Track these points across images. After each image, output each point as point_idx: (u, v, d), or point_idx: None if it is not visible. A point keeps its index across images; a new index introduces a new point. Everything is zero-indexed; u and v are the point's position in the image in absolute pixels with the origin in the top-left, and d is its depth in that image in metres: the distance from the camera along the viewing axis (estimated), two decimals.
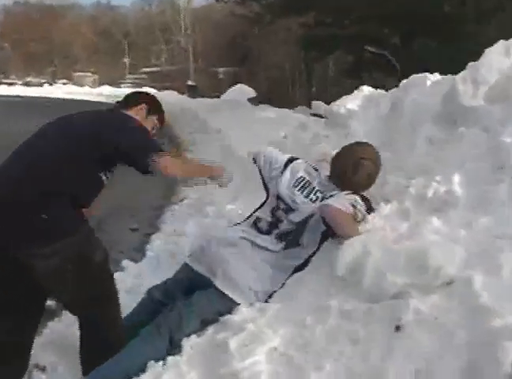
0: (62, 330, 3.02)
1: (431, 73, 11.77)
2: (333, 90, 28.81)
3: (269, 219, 2.78)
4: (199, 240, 2.92)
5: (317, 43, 18.46)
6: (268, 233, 2.73)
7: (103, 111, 2.59)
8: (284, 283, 2.64)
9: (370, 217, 2.58)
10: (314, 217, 2.66)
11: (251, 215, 2.90)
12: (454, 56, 14.73)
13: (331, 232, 2.61)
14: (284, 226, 2.72)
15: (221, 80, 36.71)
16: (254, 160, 3.06)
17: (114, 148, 2.32)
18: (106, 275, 2.53)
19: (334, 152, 2.99)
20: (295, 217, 2.70)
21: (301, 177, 2.83)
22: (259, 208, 2.91)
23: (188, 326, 2.62)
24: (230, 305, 2.61)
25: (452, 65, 11.62)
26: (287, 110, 17.73)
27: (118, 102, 2.70)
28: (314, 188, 2.76)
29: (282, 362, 2.17)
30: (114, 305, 2.57)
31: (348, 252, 2.34)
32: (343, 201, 2.55)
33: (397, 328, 1.98)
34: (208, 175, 2.65)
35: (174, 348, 2.60)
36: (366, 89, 3.68)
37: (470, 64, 2.83)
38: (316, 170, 2.88)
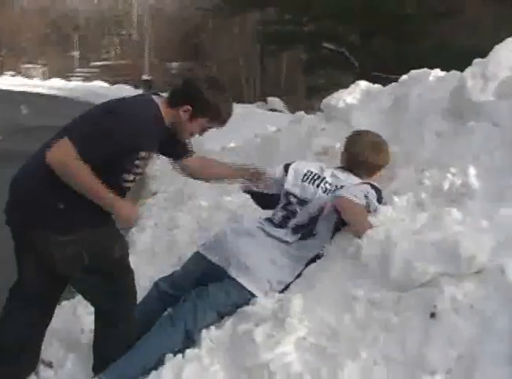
0: (67, 325, 2.96)
1: (389, 71, 11.95)
2: (286, 86, 29.03)
3: (283, 213, 2.80)
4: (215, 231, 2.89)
5: (276, 38, 18.57)
6: (282, 226, 2.75)
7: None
8: (300, 274, 2.65)
9: (383, 208, 2.61)
10: (327, 207, 2.68)
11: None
12: (412, 54, 15.13)
13: (343, 222, 2.64)
14: (299, 218, 2.74)
15: (174, 75, 36.44)
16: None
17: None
18: (124, 272, 2.49)
19: (339, 144, 3.03)
20: (309, 208, 2.73)
21: (308, 171, 2.86)
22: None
23: (204, 318, 2.61)
24: (246, 297, 2.61)
25: (410, 63, 11.90)
26: (249, 105, 17.79)
27: (169, 96, 2.44)
28: (324, 179, 2.79)
29: (313, 352, 2.19)
30: (131, 301, 2.55)
31: (373, 242, 2.37)
32: (356, 192, 2.59)
33: (432, 315, 2.02)
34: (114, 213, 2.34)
35: (190, 340, 2.59)
36: (363, 84, 3.72)
37: (477, 60, 2.90)
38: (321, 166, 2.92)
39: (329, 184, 2.76)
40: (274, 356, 2.21)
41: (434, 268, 2.12)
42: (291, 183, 2.84)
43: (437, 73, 3.24)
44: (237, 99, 22.93)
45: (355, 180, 2.75)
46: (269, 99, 21.51)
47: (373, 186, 2.68)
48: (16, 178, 2.35)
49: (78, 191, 2.19)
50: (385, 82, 12.61)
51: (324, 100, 3.78)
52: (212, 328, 2.54)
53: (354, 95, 3.62)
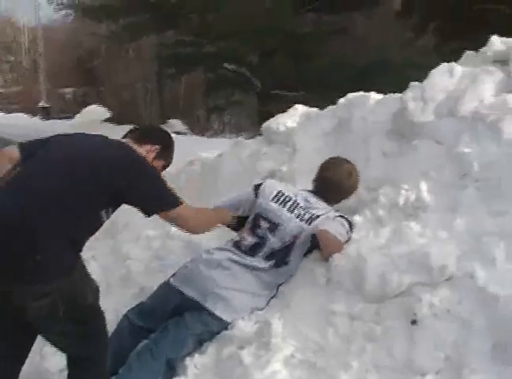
0: (34, 367, 2.90)
1: (288, 88, 12.30)
2: (186, 107, 29.12)
3: (251, 239, 2.80)
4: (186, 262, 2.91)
5: (174, 61, 18.57)
6: (253, 254, 2.77)
7: (114, 142, 2.40)
8: (273, 296, 2.75)
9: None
10: (300, 239, 2.73)
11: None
12: (310, 72, 15.69)
13: (311, 248, 2.77)
14: (271, 245, 2.75)
15: (69, 102, 35.56)
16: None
17: (130, 196, 2.29)
18: (97, 315, 2.43)
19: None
20: (283, 235, 2.75)
21: (280, 191, 2.86)
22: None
23: (185, 346, 2.65)
24: (224, 325, 2.67)
25: (308, 81, 12.32)
26: None
27: (130, 130, 2.56)
28: (297, 203, 2.82)
29: (303, 368, 2.31)
30: (104, 343, 2.49)
31: (344, 259, 2.53)
32: (338, 227, 2.68)
33: (413, 322, 2.21)
34: (226, 220, 2.82)
35: (172, 370, 2.63)
36: (300, 108, 3.90)
37: (413, 83, 3.15)
38: (290, 188, 2.98)
39: (303, 209, 2.79)
40: (265, 376, 2.31)
41: (408, 279, 2.31)
42: (262, 206, 2.85)
43: (375, 96, 3.47)
44: (134, 122, 22.84)
45: (324, 206, 2.82)
46: (169, 121, 21.48)
47: (346, 219, 2.78)
48: None
49: None
50: (284, 100, 12.95)
51: (264, 124, 3.92)
52: (196, 355, 2.60)
53: (293, 118, 3.78)
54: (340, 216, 2.76)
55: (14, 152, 2.42)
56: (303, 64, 16.32)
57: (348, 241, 2.66)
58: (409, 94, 3.05)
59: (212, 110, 21.75)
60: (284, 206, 2.82)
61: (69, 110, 31.88)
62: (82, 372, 2.46)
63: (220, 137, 19.46)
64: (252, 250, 2.78)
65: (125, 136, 2.55)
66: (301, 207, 2.80)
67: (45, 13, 50.24)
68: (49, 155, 2.34)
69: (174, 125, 20.47)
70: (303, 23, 16.07)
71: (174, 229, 3.65)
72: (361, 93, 3.61)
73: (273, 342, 2.41)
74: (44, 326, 2.31)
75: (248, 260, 2.75)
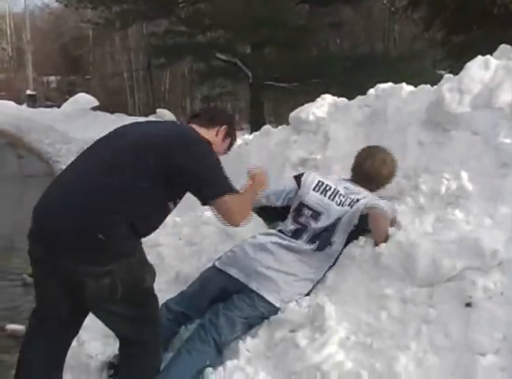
0: (72, 352, 2.94)
1: (281, 78, 12.40)
2: (175, 97, 29.07)
3: (294, 226, 2.89)
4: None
5: (165, 50, 18.51)
6: (296, 238, 2.85)
7: (178, 128, 2.51)
8: (318, 281, 2.83)
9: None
10: (342, 219, 2.82)
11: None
12: (303, 63, 15.77)
13: (360, 232, 2.83)
14: (314, 229, 2.84)
15: (54, 90, 35.30)
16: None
17: (187, 180, 2.33)
18: (152, 300, 2.49)
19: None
20: (325, 220, 2.83)
21: (320, 181, 2.95)
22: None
23: (234, 330, 2.72)
24: (272, 309, 2.74)
25: (301, 72, 12.42)
26: (145, 118, 17.64)
27: (192, 116, 2.63)
28: (337, 191, 2.90)
29: (360, 349, 2.38)
30: (158, 327, 2.54)
31: (392, 245, 2.61)
32: (386, 206, 2.77)
33: (468, 305, 2.29)
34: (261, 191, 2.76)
35: (220, 354, 2.69)
36: (329, 97, 3.97)
37: (448, 76, 3.24)
38: (331, 177, 3.06)
39: (343, 196, 2.88)
40: (323, 357, 2.38)
41: (460, 264, 2.39)
42: (305, 195, 2.93)
43: (407, 87, 3.55)
44: (123, 111, 22.74)
45: (364, 191, 2.91)
46: (158, 110, 21.42)
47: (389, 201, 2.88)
48: (51, 207, 2.30)
49: None
50: (280, 91, 13.03)
51: (292, 114, 3.98)
52: (248, 338, 2.67)
53: (322, 108, 3.85)
54: (380, 197, 2.87)
55: None
56: (296, 55, 16.40)
57: (394, 222, 2.75)
58: (446, 85, 3.13)
59: (204, 100, 21.75)
60: (325, 195, 2.91)
61: (54, 99, 31.70)
62: (133, 357, 2.50)
63: None
64: (295, 234, 2.87)
65: (188, 123, 2.60)
66: (341, 194, 2.89)
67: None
68: (112, 139, 2.43)
69: (163, 114, 20.44)
70: (296, 14, 16.11)
71: (206, 214, 3.72)
72: (390, 84, 3.69)
73: (327, 324, 2.48)
74: (100, 305, 2.36)
75: (293, 242, 2.84)
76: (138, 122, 2.58)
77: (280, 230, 2.92)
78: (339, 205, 2.86)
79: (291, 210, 2.98)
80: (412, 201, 2.90)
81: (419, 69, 12.90)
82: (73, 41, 32.37)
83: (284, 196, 3.04)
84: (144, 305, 2.44)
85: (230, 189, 2.33)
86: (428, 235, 2.60)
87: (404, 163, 3.11)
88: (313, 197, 2.92)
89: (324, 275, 2.82)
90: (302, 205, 2.93)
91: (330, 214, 2.84)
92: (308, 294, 2.79)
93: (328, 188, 2.93)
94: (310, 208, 2.90)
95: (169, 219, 4.13)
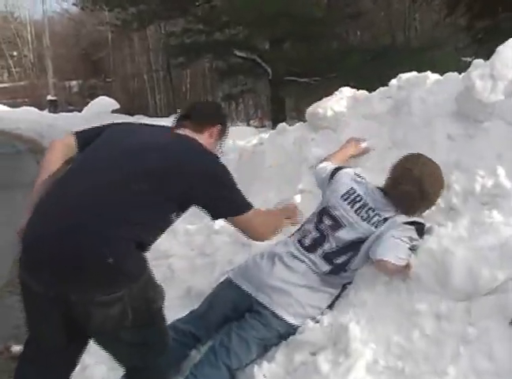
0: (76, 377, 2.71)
1: (302, 73, 12.10)
2: (196, 97, 28.93)
3: (314, 234, 2.58)
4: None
5: (183, 50, 18.35)
6: (312, 251, 2.54)
7: (184, 142, 2.26)
8: (339, 296, 2.55)
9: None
10: (365, 245, 2.47)
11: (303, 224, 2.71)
12: (323, 57, 15.43)
13: None
14: (330, 244, 2.52)
15: (76, 94, 35.42)
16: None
17: (204, 201, 2.21)
18: (161, 322, 2.24)
19: (393, 164, 2.60)
20: (344, 234, 2.51)
21: (352, 189, 2.58)
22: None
23: (250, 353, 2.47)
24: (288, 327, 2.47)
25: (321, 66, 12.07)
26: (167, 118, 17.51)
27: (180, 117, 2.41)
28: (366, 204, 2.53)
29: (391, 374, 2.10)
30: (166, 353, 2.28)
31: (424, 253, 2.32)
32: (401, 249, 2.35)
33: None
34: (291, 222, 2.60)
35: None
36: (347, 90, 3.66)
37: (476, 62, 2.92)
38: (362, 178, 2.67)
39: (372, 211, 2.49)
40: None
41: (502, 274, 2.09)
42: (331, 201, 2.61)
43: (432, 75, 3.24)
44: (144, 112, 22.66)
45: (399, 218, 2.47)
46: (179, 110, 21.18)
47: (417, 227, 2.44)
48: (48, 231, 2.01)
49: None
50: (301, 86, 12.75)
51: (309, 109, 3.69)
52: (264, 362, 2.40)
53: (341, 102, 3.55)
54: (408, 223, 2.44)
55: (70, 140, 2.33)
56: (315, 49, 16.08)
57: (414, 250, 2.38)
58: (476, 72, 2.81)
59: (224, 98, 21.48)
60: (352, 206, 2.55)
61: (76, 103, 31.78)
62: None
63: (233, 126, 19.23)
64: (313, 246, 2.56)
65: (177, 126, 2.37)
66: (370, 208, 2.52)
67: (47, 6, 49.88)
68: (111, 150, 2.19)
69: None
70: (313, 6, 15.75)
71: (218, 223, 3.46)
72: (414, 73, 3.38)
73: (352, 347, 2.20)
74: (105, 333, 2.11)
75: (307, 258, 2.54)
76: (135, 132, 2.34)
77: (300, 240, 2.62)
78: (364, 220, 2.51)
79: (315, 212, 2.68)
80: (442, 202, 2.60)
81: (443, 57, 12.41)
82: (93, 45, 32.46)
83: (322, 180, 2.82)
84: (153, 329, 2.20)
85: (248, 208, 2.25)
86: (463, 241, 2.30)
87: (435, 159, 2.79)
88: (339, 206, 2.58)
89: (345, 287, 2.54)
90: (325, 212, 2.62)
91: (352, 229, 2.51)
92: (330, 308, 2.51)
93: (358, 199, 2.56)
94: (332, 217, 2.57)
95: (180, 226, 3.90)
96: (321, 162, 2.98)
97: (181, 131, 2.32)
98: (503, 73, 2.77)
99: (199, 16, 16.77)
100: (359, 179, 2.64)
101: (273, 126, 15.88)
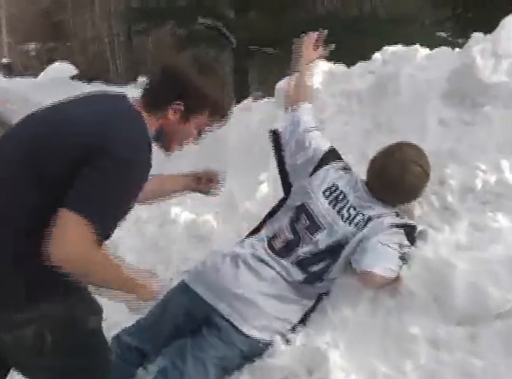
0: None
1: (267, 44, 11.59)
2: (156, 64, 28.08)
3: (287, 235, 2.17)
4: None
5: (145, 15, 17.64)
6: (283, 255, 2.14)
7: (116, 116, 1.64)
8: (313, 310, 2.15)
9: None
10: (345, 250, 2.08)
11: (266, 218, 2.30)
12: (290, 27, 14.96)
13: None
14: (305, 249, 2.13)
15: (33, 57, 34.11)
16: (274, 134, 2.43)
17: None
18: (97, 345, 1.80)
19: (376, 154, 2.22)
20: (323, 239, 2.11)
21: (334, 185, 2.19)
22: (277, 208, 2.32)
23: (208, 377, 2.06)
24: (252, 344, 2.07)
25: (288, 36, 11.58)
26: (124, 86, 16.83)
27: (144, 94, 1.74)
28: (347, 202, 2.15)
29: None
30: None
31: (420, 264, 1.94)
32: (390, 256, 1.99)
33: None
34: (134, 293, 1.74)
35: None
36: (323, 65, 3.23)
37: (476, 35, 2.53)
38: (348, 171, 2.27)
39: (353, 209, 2.13)
40: None
41: None
42: (311, 196, 2.19)
43: (422, 50, 2.84)
44: (103, 79, 21.86)
45: (383, 210, 2.12)
46: (140, 79, 20.55)
47: (407, 230, 2.08)
48: None
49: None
50: (263, 56, 12.26)
51: (278, 84, 3.26)
52: None
53: (315, 77, 3.12)
54: (397, 226, 2.07)
55: None
56: (282, 18, 15.59)
57: (404, 259, 2.00)
58: (476, 47, 2.42)
59: None
60: (334, 205, 2.15)
61: (33, 67, 30.55)
62: None
63: None
64: (285, 250, 2.15)
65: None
66: (351, 206, 2.14)
67: None
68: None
69: (144, 83, 19.59)
70: None
71: (174, 210, 3.03)
72: (400, 47, 2.98)
73: (332, 376, 1.82)
74: (23, 361, 1.69)
75: (276, 263, 2.13)
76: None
77: (271, 241, 2.19)
78: (345, 221, 2.11)
79: (289, 201, 2.27)
80: (437, 200, 2.21)
81: (415, 32, 12.07)
82: (53, 5, 31.10)
83: (311, 150, 2.30)
84: (86, 354, 1.75)
85: (91, 216, 1.48)
86: (465, 250, 1.93)
87: (424, 149, 2.39)
88: (319, 205, 2.16)
89: (320, 298, 2.15)
90: (303, 209, 2.19)
91: (332, 232, 2.11)
92: (303, 323, 2.12)
93: (341, 197, 2.17)
94: (310, 218, 2.16)
95: (132, 212, 3.44)
96: (291, 92, 2.52)
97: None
98: (508, 49, 2.39)
99: None
100: (342, 172, 2.24)
101: (236, 97, 15.42)
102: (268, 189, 2.83)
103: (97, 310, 1.77)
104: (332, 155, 2.29)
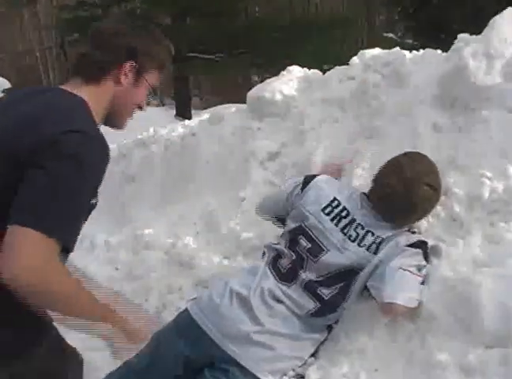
0: None
1: (206, 50, 11.50)
2: None
3: (291, 259, 1.97)
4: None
5: (78, 25, 17.16)
6: (290, 279, 1.94)
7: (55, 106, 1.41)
8: (325, 340, 1.97)
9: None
10: (363, 272, 1.89)
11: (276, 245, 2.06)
12: (228, 32, 14.89)
13: None
14: (311, 273, 1.93)
15: None
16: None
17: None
18: None
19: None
20: (329, 262, 1.91)
21: (335, 200, 2.00)
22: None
23: None
24: None
25: (226, 42, 11.49)
26: None
27: (81, 66, 1.52)
28: (354, 220, 1.96)
29: None
30: None
31: (440, 283, 1.80)
32: (413, 284, 1.82)
33: None
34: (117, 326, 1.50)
35: None
36: (297, 69, 3.07)
37: (462, 36, 2.43)
38: (347, 187, 2.12)
39: (361, 228, 1.93)
40: None
41: None
42: (309, 216, 1.98)
43: (408, 53, 2.72)
44: None
45: (395, 228, 1.95)
46: None
47: (420, 243, 1.92)
48: None
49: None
50: (205, 63, 12.13)
51: (250, 93, 3.08)
52: None
53: (290, 84, 2.97)
54: (413, 245, 1.90)
55: None
56: (219, 24, 15.48)
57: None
58: (468, 49, 2.31)
59: None
60: (337, 223, 1.96)
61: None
62: None
63: None
64: (289, 273, 1.96)
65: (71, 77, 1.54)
66: (358, 224, 1.95)
67: None
68: None
69: None
70: None
71: (147, 232, 2.81)
72: (379, 50, 2.86)
73: None
74: None
75: (287, 294, 1.93)
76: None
77: (275, 263, 1.99)
78: (353, 241, 1.93)
79: (287, 229, 2.06)
80: (443, 211, 2.09)
81: (360, 33, 12.03)
82: None
83: (284, 206, 2.14)
84: None
85: (49, 231, 1.27)
86: (482, 266, 1.81)
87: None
88: (320, 224, 1.97)
89: (331, 328, 1.96)
90: (300, 230, 2.00)
91: (340, 254, 1.92)
92: (314, 356, 1.94)
93: (344, 214, 1.97)
94: (310, 239, 1.96)
95: (98, 237, 3.18)
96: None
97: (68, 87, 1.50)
98: (500, 50, 2.29)
99: None
100: (339, 186, 2.08)
101: (178, 105, 15.18)
102: (250, 205, 2.64)
103: (77, 360, 1.56)
104: (313, 176, 2.13)
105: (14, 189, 1.28)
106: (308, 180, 2.09)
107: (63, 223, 1.29)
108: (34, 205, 1.27)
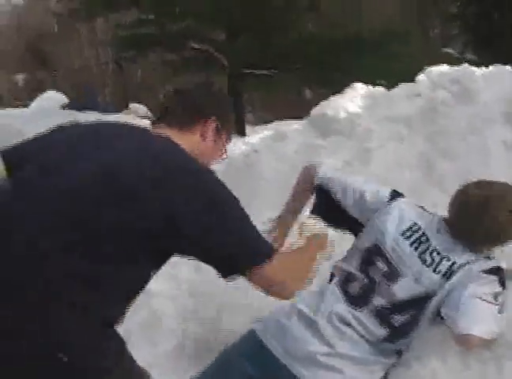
0: None
1: (260, 66, 11.54)
2: (147, 91, 28.05)
3: (362, 278, 1.91)
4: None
5: (134, 42, 17.61)
6: (361, 304, 1.87)
7: (165, 152, 1.44)
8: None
9: None
10: (435, 298, 1.81)
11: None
12: (282, 46, 14.96)
13: None
14: (383, 299, 1.86)
15: (22, 89, 33.98)
16: (319, 189, 2.10)
17: (203, 248, 1.40)
18: None
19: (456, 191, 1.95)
20: (403, 289, 1.84)
21: (416, 224, 1.91)
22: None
23: None
24: None
25: (281, 56, 11.51)
26: (123, 114, 16.64)
27: (159, 116, 1.61)
28: (430, 245, 1.88)
29: None
30: None
31: None
32: (490, 314, 1.75)
33: None
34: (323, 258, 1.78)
35: None
36: (360, 87, 3.06)
37: None
38: (426, 211, 2.00)
39: (437, 253, 1.86)
40: None
41: None
42: (388, 238, 1.90)
43: (477, 69, 2.67)
44: (93, 108, 21.70)
45: (470, 254, 1.86)
46: (132, 105, 20.42)
47: (495, 270, 1.84)
48: None
49: None
50: (260, 79, 12.20)
51: (314, 111, 3.08)
52: None
53: (355, 101, 2.95)
54: (487, 271, 1.83)
55: None
56: (273, 40, 15.59)
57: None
58: None
59: (176, 93, 20.69)
60: (416, 248, 1.89)
61: (22, 98, 30.36)
62: None
63: None
64: (363, 296, 1.89)
65: (156, 126, 1.60)
66: (434, 250, 1.88)
67: None
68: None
69: (137, 109, 19.42)
70: None
71: None
72: (446, 67, 2.81)
73: None
74: None
75: (357, 318, 1.87)
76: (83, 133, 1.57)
77: (343, 284, 1.93)
78: (429, 267, 1.85)
79: (361, 248, 1.97)
80: None
81: (419, 49, 11.78)
82: (39, 37, 31.09)
83: (364, 206, 2.01)
84: None
85: (270, 252, 1.43)
86: None
87: (489, 176, 2.20)
88: (398, 246, 1.89)
89: (400, 353, 1.90)
90: (376, 251, 1.92)
91: (416, 281, 1.85)
92: None
93: (424, 239, 1.89)
94: (387, 261, 1.89)
95: None
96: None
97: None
98: None
99: (151, 6, 16.00)
100: (420, 210, 2.02)
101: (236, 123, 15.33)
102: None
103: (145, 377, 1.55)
104: (398, 194, 2.04)
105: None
106: (394, 196, 2.00)
107: (262, 238, 1.46)
108: (242, 242, 1.41)
